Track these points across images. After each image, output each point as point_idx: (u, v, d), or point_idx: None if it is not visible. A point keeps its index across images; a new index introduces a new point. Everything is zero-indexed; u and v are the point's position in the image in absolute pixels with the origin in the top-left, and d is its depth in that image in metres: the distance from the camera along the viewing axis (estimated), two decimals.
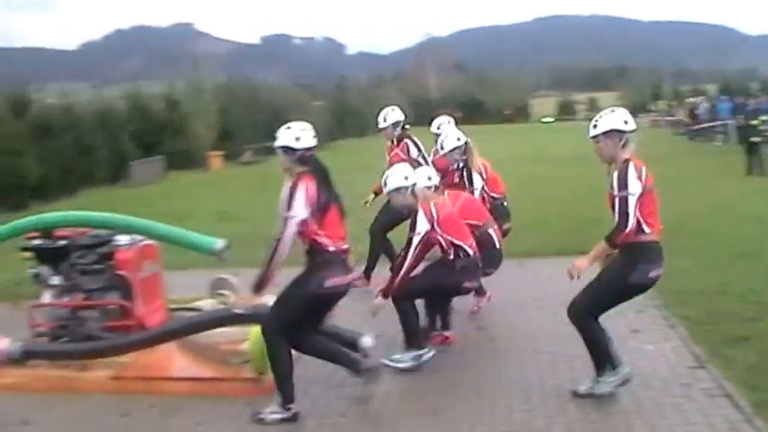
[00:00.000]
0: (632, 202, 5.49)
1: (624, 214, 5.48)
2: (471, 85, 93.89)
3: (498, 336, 7.69)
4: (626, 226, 5.47)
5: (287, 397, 5.85)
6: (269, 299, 6.06)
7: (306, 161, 5.85)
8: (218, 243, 7.78)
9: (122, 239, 7.74)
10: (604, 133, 5.70)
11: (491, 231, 7.65)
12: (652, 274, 5.66)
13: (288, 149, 5.88)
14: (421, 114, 72.95)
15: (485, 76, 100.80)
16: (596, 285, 5.84)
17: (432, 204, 6.83)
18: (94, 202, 26.39)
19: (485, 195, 8.46)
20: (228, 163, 39.98)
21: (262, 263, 5.69)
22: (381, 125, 10.02)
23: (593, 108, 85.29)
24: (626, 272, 5.66)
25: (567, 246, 11.22)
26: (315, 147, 5.98)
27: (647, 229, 5.59)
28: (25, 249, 7.98)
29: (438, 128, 9.80)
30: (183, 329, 7.20)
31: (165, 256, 8.28)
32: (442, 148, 8.64)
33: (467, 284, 6.99)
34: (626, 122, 5.73)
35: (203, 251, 7.76)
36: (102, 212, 8.23)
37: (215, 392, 6.55)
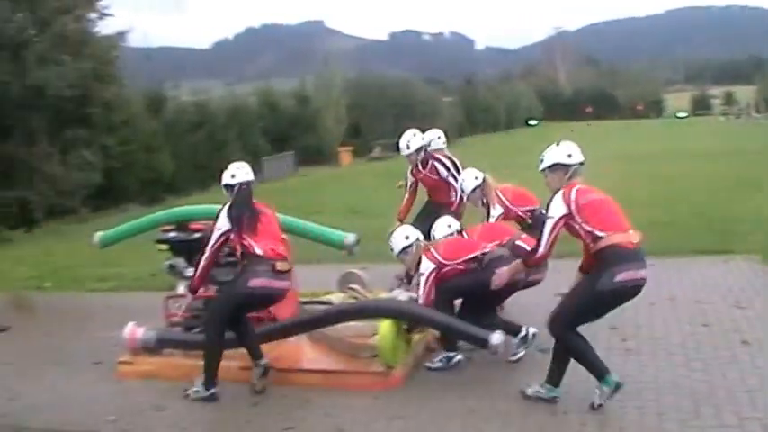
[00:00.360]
0: (549, 225, 5.76)
1: (539, 239, 5.87)
2: (602, 79, 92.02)
3: (630, 336, 7.50)
4: (537, 250, 5.91)
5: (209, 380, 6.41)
6: (399, 293, 6.11)
7: (239, 191, 6.81)
8: (349, 237, 7.86)
9: None
10: (549, 167, 6.00)
11: (520, 242, 7.45)
12: (619, 277, 5.57)
13: (226, 186, 6.92)
14: (551, 110, 72.35)
15: (616, 70, 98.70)
16: (570, 296, 5.89)
17: (432, 249, 7.03)
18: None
19: (520, 213, 8.36)
20: (358, 158, 40.33)
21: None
22: (405, 152, 9.55)
23: (730, 102, 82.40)
24: (592, 280, 5.69)
25: (702, 244, 10.87)
26: (250, 181, 6.98)
27: (601, 234, 5.64)
28: (161, 242, 8.25)
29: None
30: (312, 322, 7.30)
31: (295, 249, 8.42)
32: (462, 190, 8.58)
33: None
34: (570, 156, 5.96)
35: (334, 245, 7.85)
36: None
37: (344, 385, 6.59)
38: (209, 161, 32.24)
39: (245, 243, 6.56)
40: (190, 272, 7.81)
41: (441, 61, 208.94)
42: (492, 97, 66.49)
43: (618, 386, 5.74)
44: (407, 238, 7.33)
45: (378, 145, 42.89)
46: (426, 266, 6.85)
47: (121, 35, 25.13)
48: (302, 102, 41.66)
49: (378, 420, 5.92)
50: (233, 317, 6.62)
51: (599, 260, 5.69)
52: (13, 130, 21.88)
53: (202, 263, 6.76)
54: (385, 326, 6.43)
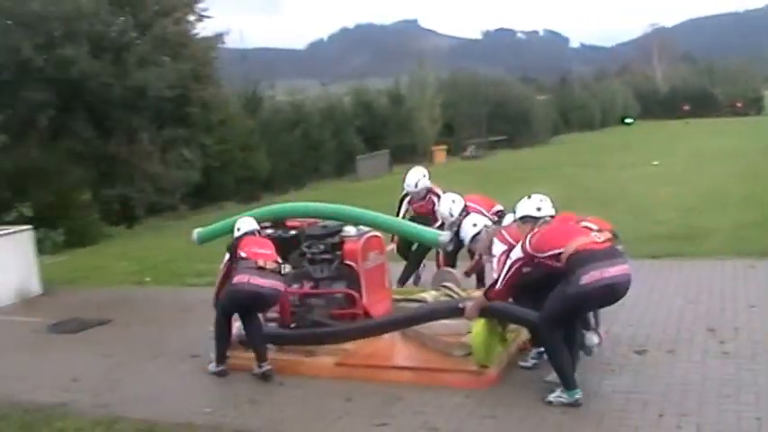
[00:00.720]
0: (508, 265, 6.17)
1: (498, 276, 6.30)
2: (700, 76, 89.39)
3: (728, 339, 7.28)
4: (495, 285, 6.29)
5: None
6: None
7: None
8: (444, 235, 7.85)
9: (350, 231, 7.95)
10: (520, 219, 6.51)
11: None
12: (584, 280, 5.69)
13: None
14: (647, 108, 70.82)
15: (714, 66, 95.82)
16: (548, 301, 5.98)
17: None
18: (321, 195, 27.41)
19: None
20: (452, 157, 40.23)
21: None
22: (411, 189, 10.05)
23: None
24: (563, 285, 5.84)
25: None
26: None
27: (560, 250, 5.84)
28: None
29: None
30: (405, 320, 7.31)
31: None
32: (464, 241, 8.17)
33: None
34: (539, 209, 6.43)
35: (429, 243, 7.85)
36: (332, 204, 8.51)
37: (436, 383, 6.56)
38: (305, 160, 32.67)
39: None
40: (285, 268, 7.91)
41: (535, 59, 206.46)
42: (587, 95, 65.46)
43: (577, 403, 5.85)
44: (475, 225, 7.61)
45: (471, 144, 42.76)
46: (498, 249, 6.81)
47: (219, 37, 25.59)
48: (396, 101, 41.73)
49: (470, 419, 5.89)
50: (233, 313, 7.29)
51: (567, 269, 5.83)
52: (115, 129, 22.51)
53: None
54: (478, 324, 6.40)
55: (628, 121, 65.45)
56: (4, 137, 18.28)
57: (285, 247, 8.10)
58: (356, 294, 7.68)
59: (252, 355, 7.32)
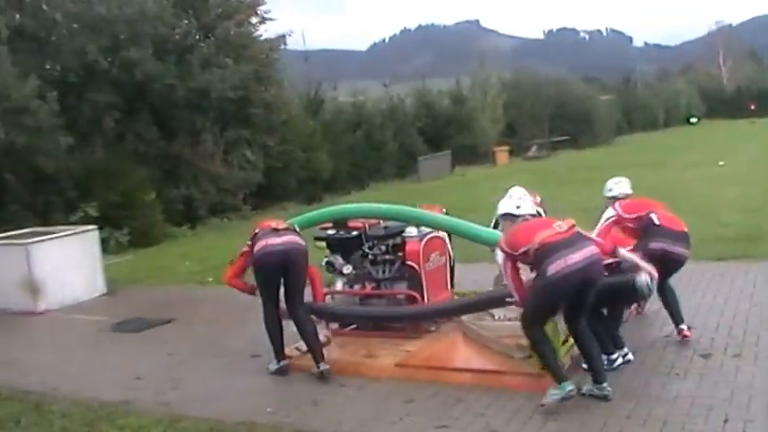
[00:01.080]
0: (505, 273, 6.37)
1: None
2: (766, 75, 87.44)
3: None
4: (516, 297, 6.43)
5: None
6: None
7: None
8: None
9: (412, 231, 7.92)
10: (502, 216, 7.03)
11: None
12: (551, 270, 5.80)
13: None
14: (712, 107, 69.53)
15: None
16: (527, 296, 6.18)
17: None
18: (383, 196, 27.43)
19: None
20: (514, 158, 40.00)
21: None
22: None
23: None
24: (534, 282, 6.08)
25: None
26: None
27: (530, 246, 5.96)
28: (319, 239, 8.40)
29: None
30: (458, 308, 7.29)
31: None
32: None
33: None
34: (518, 207, 6.88)
35: (489, 244, 7.78)
36: (393, 205, 8.49)
37: (497, 385, 6.52)
38: (366, 160, 32.70)
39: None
40: (347, 269, 7.93)
41: (598, 59, 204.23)
42: (650, 95, 64.58)
43: (569, 395, 5.85)
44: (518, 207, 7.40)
45: (534, 144, 42.47)
46: (500, 257, 6.77)
47: (281, 38, 25.73)
48: (458, 102, 41.58)
49: (531, 422, 5.82)
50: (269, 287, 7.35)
51: (536, 263, 6.00)
52: (178, 130, 22.80)
53: None
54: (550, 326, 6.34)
55: (692, 120, 64.34)
56: (71, 138, 18.62)
57: (347, 247, 8.13)
58: (417, 295, 7.66)
59: None
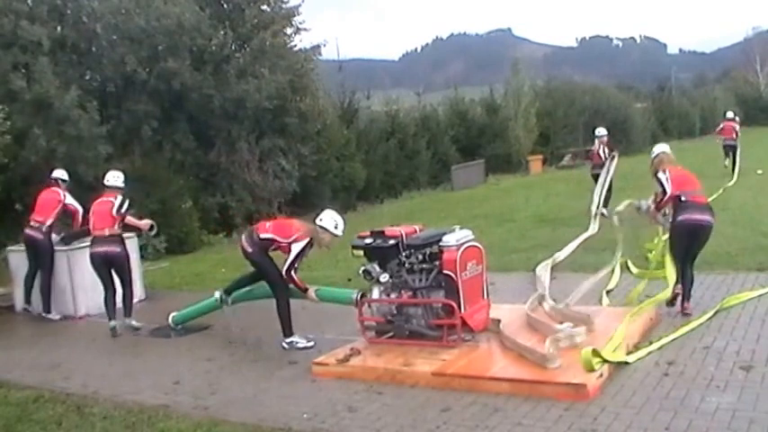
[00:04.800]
0: None
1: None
2: None
3: None
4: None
5: None
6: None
7: None
8: None
9: (449, 240, 7.93)
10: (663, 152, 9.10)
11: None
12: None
13: None
14: (749, 115, 68.81)
15: None
16: None
17: None
18: (417, 204, 27.48)
19: None
20: (548, 167, 39.86)
21: None
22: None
23: None
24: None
25: None
26: None
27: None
28: (356, 247, 8.45)
29: None
30: None
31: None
32: None
33: None
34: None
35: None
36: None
37: (535, 394, 6.51)
38: (400, 169, 32.77)
39: None
40: (384, 277, 7.98)
41: (632, 66, 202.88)
42: (686, 103, 64.07)
43: None
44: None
45: (568, 153, 42.26)
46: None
47: (316, 48, 25.90)
48: (491, 110, 41.54)
49: (570, 431, 5.80)
50: None
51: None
52: (215, 139, 23.01)
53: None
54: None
55: None
56: (110, 147, 18.89)
57: (384, 256, 8.17)
58: (454, 304, 7.68)
59: (358, 364, 7.56)
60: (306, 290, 8.77)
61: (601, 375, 6.60)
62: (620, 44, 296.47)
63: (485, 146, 39.08)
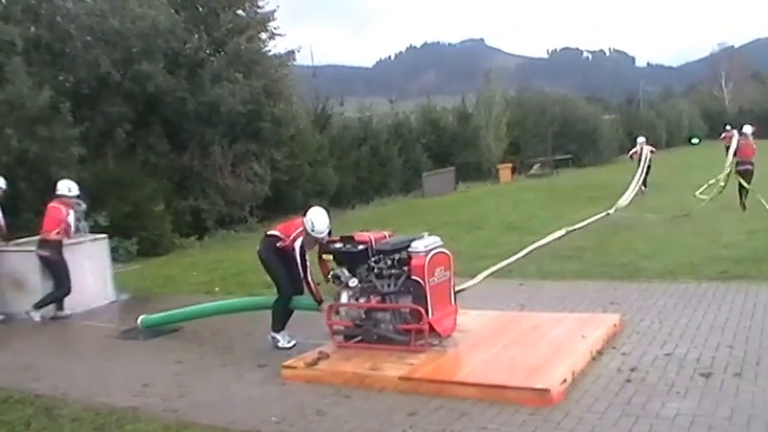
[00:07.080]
0: None
1: None
2: None
3: None
4: None
5: None
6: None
7: None
8: None
9: (418, 246, 8.04)
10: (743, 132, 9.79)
11: None
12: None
13: None
14: (714, 128, 69.62)
15: None
16: None
17: None
18: (389, 210, 27.56)
19: None
20: (517, 175, 40.19)
21: None
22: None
23: None
24: None
25: None
26: None
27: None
28: (326, 252, 8.54)
29: None
30: None
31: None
32: None
33: None
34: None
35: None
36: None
37: (501, 399, 6.59)
38: (372, 176, 32.89)
39: None
40: (353, 282, 8.07)
41: (601, 78, 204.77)
42: (653, 115, 64.83)
43: None
44: None
45: (537, 162, 42.67)
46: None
47: (290, 54, 25.91)
48: (463, 119, 41.80)
49: None
50: None
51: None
52: (188, 143, 22.98)
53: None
54: None
55: (694, 141, 64.36)
56: (83, 149, 18.81)
57: (353, 261, 8.26)
58: (422, 309, 7.78)
59: (327, 367, 7.63)
60: (320, 301, 8.57)
61: (564, 381, 6.73)
62: (590, 56, 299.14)
63: (456, 154, 39.29)
